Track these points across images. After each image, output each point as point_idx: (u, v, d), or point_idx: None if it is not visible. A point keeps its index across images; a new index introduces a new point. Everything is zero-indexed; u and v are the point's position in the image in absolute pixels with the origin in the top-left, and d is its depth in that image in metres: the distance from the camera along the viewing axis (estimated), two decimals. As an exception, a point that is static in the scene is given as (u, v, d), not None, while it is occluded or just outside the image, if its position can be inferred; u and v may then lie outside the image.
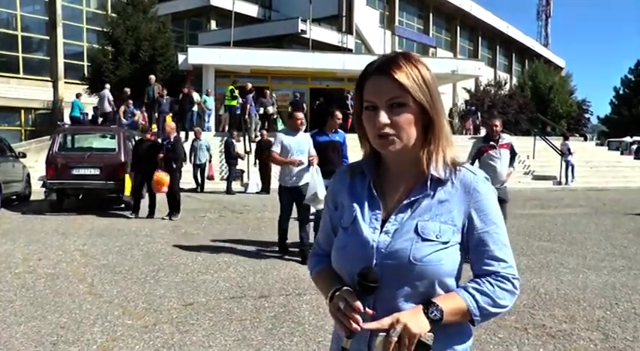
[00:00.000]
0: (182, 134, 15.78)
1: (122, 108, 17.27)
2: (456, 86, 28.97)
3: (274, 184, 14.32)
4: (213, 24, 30.37)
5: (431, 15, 38.06)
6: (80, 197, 11.42)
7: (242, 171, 15.69)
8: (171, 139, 9.54)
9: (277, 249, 6.73)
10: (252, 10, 29.91)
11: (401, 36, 34.69)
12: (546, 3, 66.87)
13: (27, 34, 25.64)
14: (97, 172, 10.29)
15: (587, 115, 40.49)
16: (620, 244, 7.60)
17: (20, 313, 4.26)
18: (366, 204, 1.26)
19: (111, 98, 17.43)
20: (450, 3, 37.48)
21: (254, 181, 15.15)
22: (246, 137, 16.74)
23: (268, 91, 19.52)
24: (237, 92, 18.27)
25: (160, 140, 9.89)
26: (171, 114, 17.41)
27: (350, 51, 27.24)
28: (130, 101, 17.48)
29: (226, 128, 18.64)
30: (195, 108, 18.00)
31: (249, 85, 18.87)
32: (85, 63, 25.60)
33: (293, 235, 6.64)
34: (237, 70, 21.32)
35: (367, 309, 1.15)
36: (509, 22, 45.51)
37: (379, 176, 1.29)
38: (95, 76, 21.47)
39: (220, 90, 20.23)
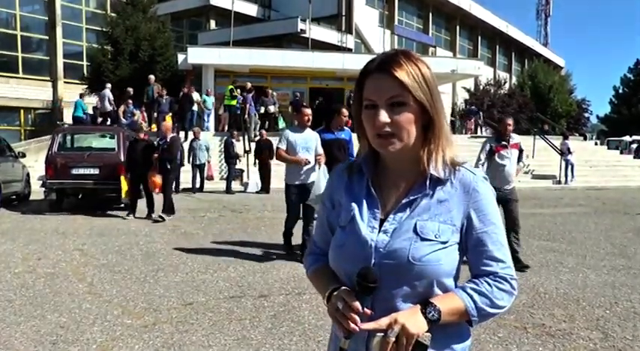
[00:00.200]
0: (182, 134, 15.82)
1: (122, 108, 17.27)
2: (455, 86, 28.96)
3: (274, 183, 14.41)
4: (212, 24, 30.36)
5: (430, 14, 38.07)
6: (80, 197, 11.42)
7: (241, 170, 15.69)
8: (167, 140, 9.49)
9: (276, 249, 6.72)
10: (252, 10, 29.91)
11: (400, 35, 34.70)
12: (546, 2, 66.78)
13: (26, 34, 25.63)
14: (96, 171, 10.30)
15: (586, 115, 40.51)
16: (620, 244, 7.60)
17: (20, 312, 4.26)
18: (365, 203, 1.25)
19: (111, 98, 17.44)
20: (450, 2, 37.48)
21: (254, 180, 15.15)
22: (246, 137, 16.74)
23: (270, 90, 19.53)
24: (237, 92, 18.28)
25: (157, 141, 9.84)
26: (170, 114, 17.42)
27: (349, 50, 27.24)
28: (130, 101, 17.49)
29: (226, 128, 18.65)
30: (195, 107, 17.99)
31: (249, 85, 18.88)
32: (85, 63, 25.60)
33: (296, 236, 6.59)
34: (236, 69, 21.32)
35: (365, 309, 1.14)
36: (509, 21, 45.56)
37: (378, 175, 1.28)
38: (95, 76, 21.47)
39: (220, 90, 20.24)
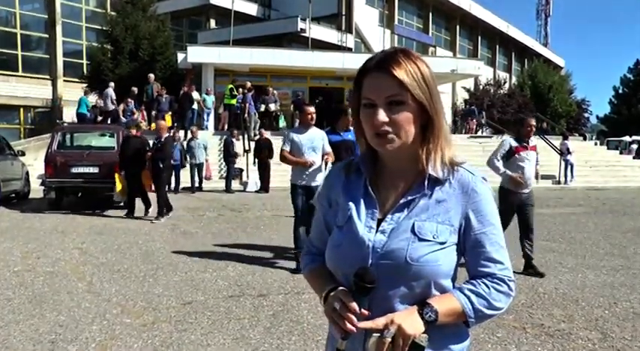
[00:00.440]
0: (181, 133, 15.80)
1: (121, 106, 17.28)
2: (455, 85, 28.96)
3: (273, 183, 14.42)
4: (212, 23, 30.34)
5: (430, 14, 38.05)
6: (79, 195, 11.42)
7: (240, 170, 15.69)
8: (162, 139, 9.43)
9: (276, 249, 6.72)
10: (252, 9, 29.90)
11: (400, 35, 34.69)
12: (546, 2, 66.74)
13: (26, 32, 25.60)
14: (95, 170, 10.30)
15: (586, 115, 40.50)
16: (619, 244, 7.60)
17: (19, 311, 4.26)
18: (362, 202, 1.24)
19: (114, 97, 17.45)
20: (450, 2, 37.47)
21: (253, 179, 15.15)
22: (246, 136, 16.74)
23: (271, 89, 19.51)
24: (239, 90, 18.27)
25: (154, 140, 9.78)
26: (170, 113, 17.41)
27: (349, 50, 27.23)
28: (130, 100, 17.49)
29: (225, 127, 18.65)
30: (195, 106, 17.99)
31: (249, 84, 18.88)
32: (85, 61, 25.58)
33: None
34: (236, 68, 21.30)
35: (363, 310, 1.13)
36: (509, 21, 45.56)
37: (376, 174, 1.27)
38: (94, 75, 21.48)
39: (220, 89, 20.23)
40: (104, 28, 22.52)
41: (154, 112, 17.21)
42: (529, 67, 41.66)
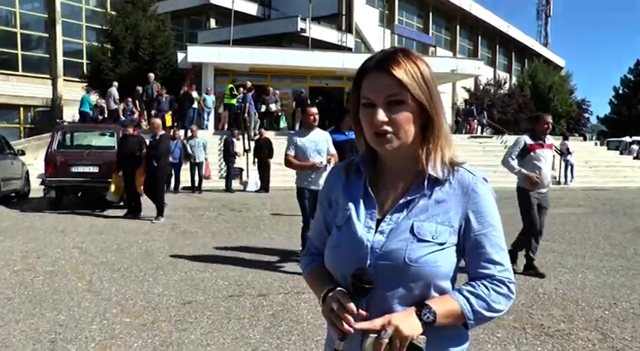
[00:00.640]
0: (181, 132, 15.80)
1: (121, 106, 17.27)
2: (455, 85, 28.94)
3: (273, 182, 14.42)
4: (212, 22, 30.34)
5: (430, 14, 38.03)
6: (79, 195, 11.41)
7: (241, 169, 15.68)
8: (157, 137, 9.35)
9: (276, 248, 6.72)
10: (252, 9, 29.89)
11: (400, 35, 34.67)
12: (546, 2, 66.70)
13: (26, 32, 25.59)
14: (95, 169, 10.29)
15: (586, 115, 40.51)
16: (619, 244, 7.60)
17: (18, 310, 4.25)
18: (362, 203, 1.24)
19: (117, 96, 17.45)
20: (450, 2, 37.44)
21: (253, 179, 15.15)
22: (246, 136, 16.74)
23: (271, 88, 19.50)
24: (239, 90, 18.26)
25: (149, 138, 9.74)
26: (170, 112, 17.41)
27: (349, 50, 27.22)
28: (130, 99, 17.49)
29: (226, 127, 18.64)
30: (195, 105, 17.99)
31: (249, 84, 18.87)
32: (85, 61, 25.58)
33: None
34: (236, 68, 21.30)
35: (360, 311, 1.12)
36: (509, 21, 45.57)
37: (376, 175, 1.26)
38: (94, 74, 21.48)
39: (220, 88, 20.23)
40: (104, 28, 22.52)
41: (153, 112, 17.20)
42: (529, 67, 41.65)
